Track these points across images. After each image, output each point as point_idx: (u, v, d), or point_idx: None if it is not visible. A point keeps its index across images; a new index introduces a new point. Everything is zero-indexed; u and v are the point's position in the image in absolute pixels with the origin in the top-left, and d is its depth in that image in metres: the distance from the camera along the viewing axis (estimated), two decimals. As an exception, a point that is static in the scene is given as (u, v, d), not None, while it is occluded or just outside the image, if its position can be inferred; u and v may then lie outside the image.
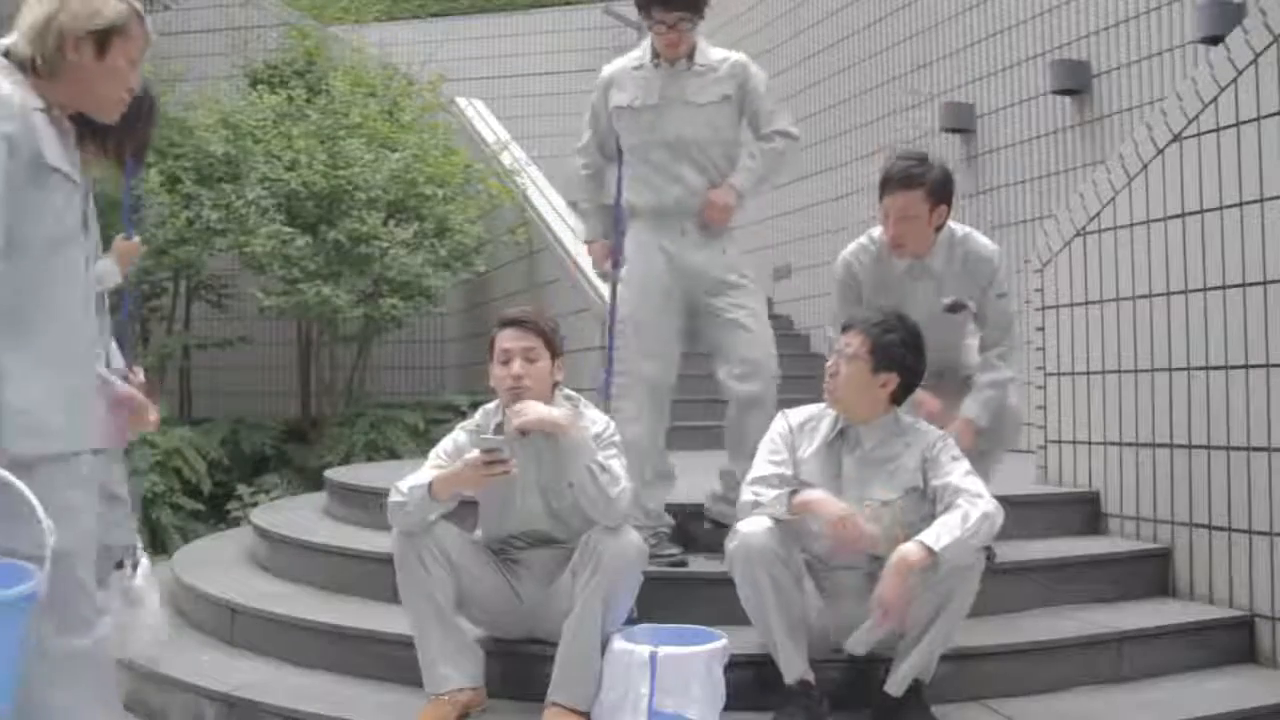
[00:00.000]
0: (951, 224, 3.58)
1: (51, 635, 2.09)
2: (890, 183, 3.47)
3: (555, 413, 3.00)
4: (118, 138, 2.97)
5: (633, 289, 3.78)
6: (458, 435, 3.14)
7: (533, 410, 3.00)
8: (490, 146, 8.83)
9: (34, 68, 2.16)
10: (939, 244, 3.55)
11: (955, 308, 3.56)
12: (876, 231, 3.63)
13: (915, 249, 3.53)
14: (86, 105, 2.27)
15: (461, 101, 9.60)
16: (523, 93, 11.78)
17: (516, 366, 3.08)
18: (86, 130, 2.76)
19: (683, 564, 3.55)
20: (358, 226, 7.27)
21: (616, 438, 3.18)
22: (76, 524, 2.15)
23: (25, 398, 2.08)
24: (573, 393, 3.25)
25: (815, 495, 2.94)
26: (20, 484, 1.95)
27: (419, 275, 7.46)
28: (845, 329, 3.13)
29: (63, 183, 2.18)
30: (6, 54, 2.18)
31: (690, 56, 3.70)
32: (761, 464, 3.11)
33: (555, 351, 3.15)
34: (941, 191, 3.48)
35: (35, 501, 1.94)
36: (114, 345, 3.33)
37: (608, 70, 3.86)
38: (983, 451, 3.48)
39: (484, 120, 9.45)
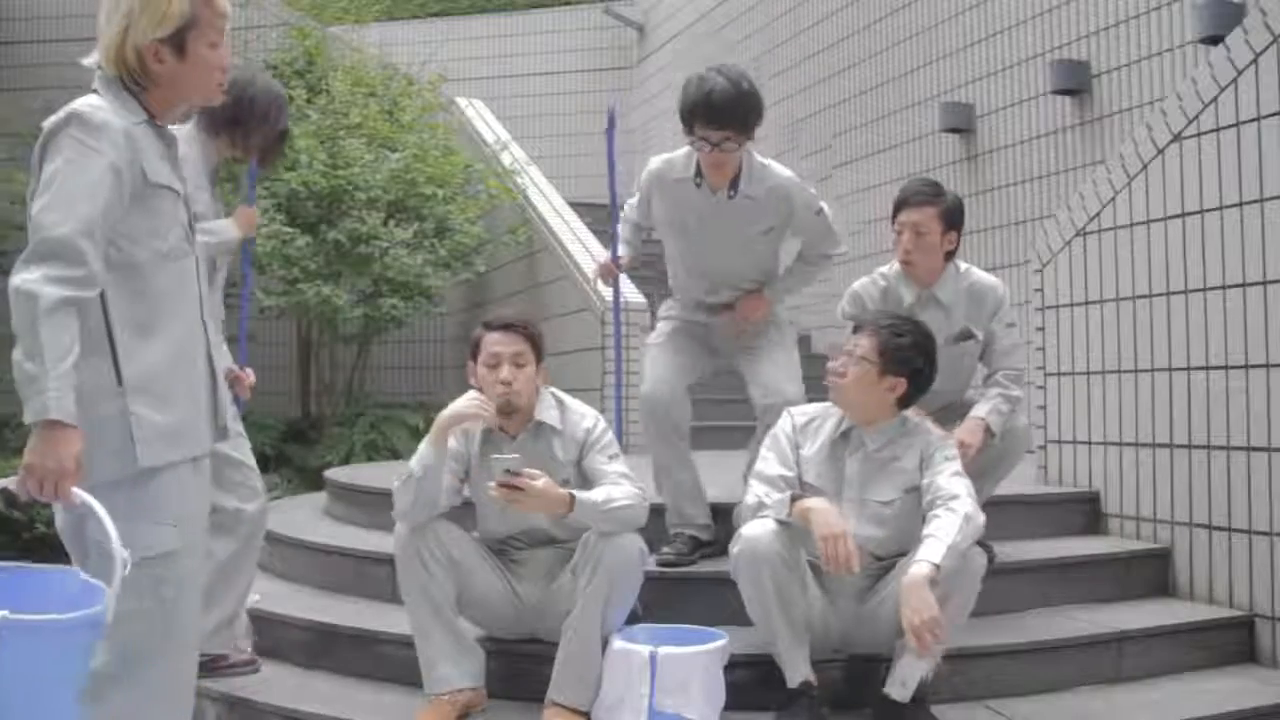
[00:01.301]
0: (956, 261, 3.66)
1: (159, 636, 2.19)
2: (906, 200, 3.57)
3: (557, 492, 2.93)
4: (245, 134, 3.34)
5: (659, 347, 3.77)
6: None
7: (535, 493, 2.90)
8: (490, 146, 8.82)
9: (126, 83, 2.22)
10: (946, 276, 3.62)
11: (963, 336, 3.60)
12: (885, 268, 3.71)
13: (924, 270, 3.60)
14: (187, 99, 2.35)
15: (461, 101, 9.59)
16: (523, 93, 11.78)
17: (505, 372, 3.07)
18: (222, 129, 3.26)
19: (674, 564, 3.55)
20: (358, 226, 7.26)
21: (609, 436, 3.19)
22: (196, 526, 2.29)
23: (156, 409, 2.18)
24: (558, 391, 3.25)
25: (815, 504, 2.91)
26: (100, 509, 2.02)
27: (419, 275, 7.45)
28: (856, 329, 3.12)
29: (168, 197, 2.27)
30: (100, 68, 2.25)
31: (735, 183, 3.52)
32: (766, 463, 3.11)
33: (540, 355, 3.16)
34: (954, 217, 3.58)
35: (113, 530, 1.99)
36: (225, 345, 3.43)
37: (655, 164, 3.69)
38: (984, 470, 3.49)
39: (484, 120, 9.44)
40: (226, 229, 3.43)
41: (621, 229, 3.94)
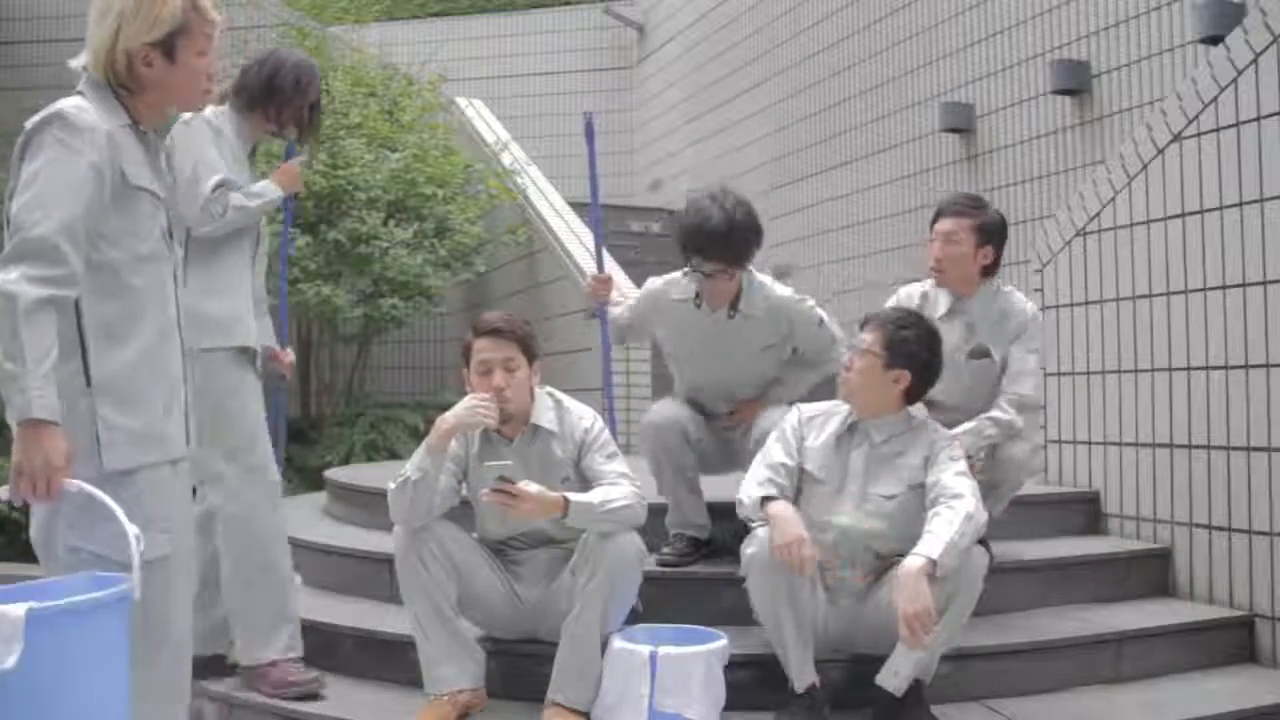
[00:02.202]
0: (999, 281, 3.67)
1: (140, 641, 2.16)
2: (943, 209, 3.62)
3: (550, 497, 2.93)
4: (279, 107, 3.35)
5: (669, 397, 3.80)
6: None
7: (529, 501, 2.91)
8: (490, 146, 8.82)
9: (112, 86, 2.23)
10: (982, 292, 3.63)
11: (978, 353, 3.59)
12: (927, 282, 3.72)
13: (954, 279, 3.61)
14: (172, 105, 2.35)
15: (461, 101, 9.59)
16: (523, 93, 11.77)
17: (498, 378, 3.06)
18: (258, 103, 3.30)
19: (674, 565, 3.55)
20: (358, 226, 7.26)
21: (606, 435, 3.19)
22: (181, 529, 2.28)
23: (124, 411, 2.18)
24: (556, 391, 3.25)
25: (776, 511, 2.92)
26: (103, 495, 2.03)
27: (419, 275, 7.44)
28: (863, 325, 3.15)
29: (147, 200, 2.27)
30: (86, 69, 2.26)
31: (734, 303, 3.56)
32: (771, 450, 3.14)
33: (532, 356, 3.14)
34: (990, 233, 3.59)
35: (118, 509, 2.01)
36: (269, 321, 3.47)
37: (656, 285, 3.70)
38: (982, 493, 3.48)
39: (484, 120, 9.44)
40: (269, 189, 3.40)
41: (611, 326, 3.91)
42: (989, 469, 3.46)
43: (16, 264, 2.04)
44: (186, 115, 3.21)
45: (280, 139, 3.58)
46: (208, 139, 3.24)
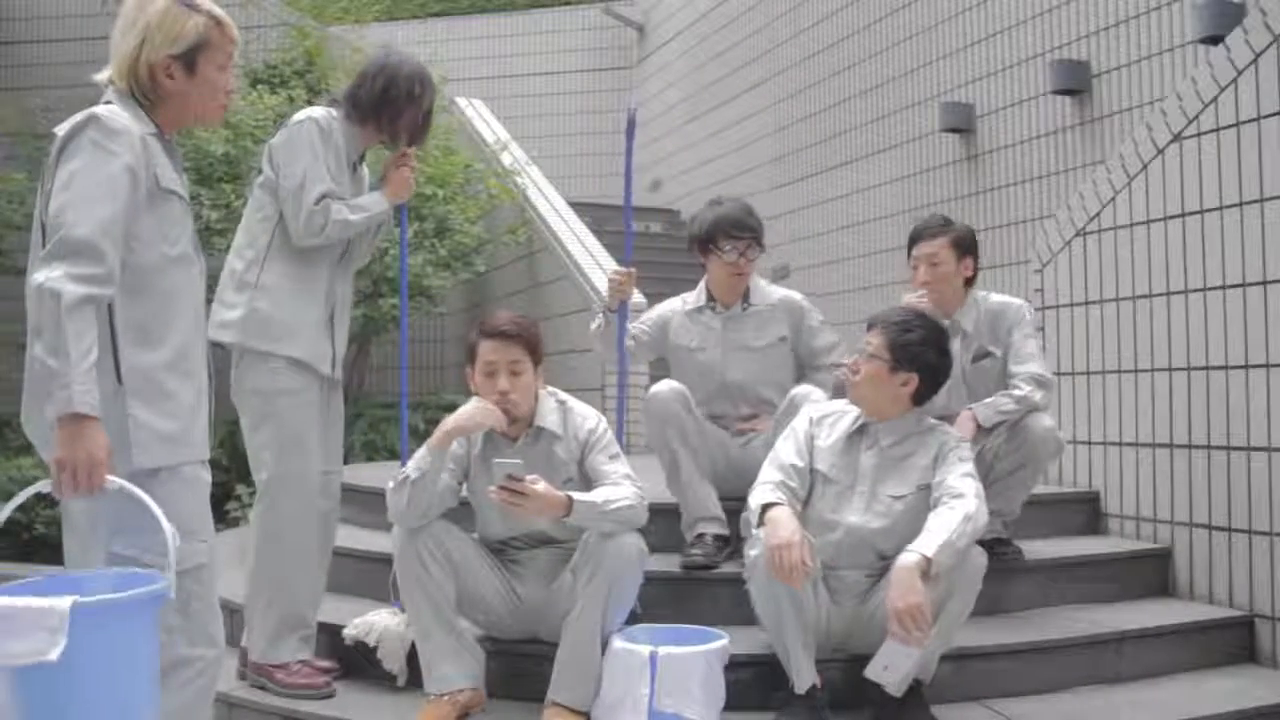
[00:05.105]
0: (976, 290, 3.75)
1: (181, 644, 2.22)
2: (919, 234, 3.71)
3: (555, 496, 2.92)
4: (393, 116, 3.30)
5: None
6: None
7: (535, 498, 2.89)
8: (490, 146, 8.82)
9: (136, 97, 2.29)
10: (968, 304, 3.70)
11: (980, 355, 3.64)
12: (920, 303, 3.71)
13: (945, 298, 3.64)
14: (190, 120, 2.41)
15: (461, 101, 9.59)
16: (523, 93, 11.78)
17: (503, 382, 3.05)
18: (370, 116, 3.24)
19: (704, 566, 3.50)
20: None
21: (610, 435, 3.18)
22: (209, 530, 2.32)
23: (154, 411, 2.22)
24: (560, 392, 3.25)
25: (773, 514, 2.92)
26: (144, 495, 2.06)
27: (419, 275, 7.45)
28: (869, 327, 3.15)
29: (178, 203, 2.33)
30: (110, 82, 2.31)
31: (746, 297, 3.82)
32: (781, 450, 3.15)
33: (538, 358, 3.14)
34: (967, 245, 3.70)
35: (158, 509, 2.04)
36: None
37: (671, 306, 3.92)
38: (1011, 472, 3.52)
39: (484, 120, 9.44)
40: (376, 201, 3.33)
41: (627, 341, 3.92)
42: (1017, 448, 3.50)
43: (59, 262, 2.08)
44: (299, 116, 3.20)
45: (391, 149, 3.48)
46: (316, 144, 3.16)
